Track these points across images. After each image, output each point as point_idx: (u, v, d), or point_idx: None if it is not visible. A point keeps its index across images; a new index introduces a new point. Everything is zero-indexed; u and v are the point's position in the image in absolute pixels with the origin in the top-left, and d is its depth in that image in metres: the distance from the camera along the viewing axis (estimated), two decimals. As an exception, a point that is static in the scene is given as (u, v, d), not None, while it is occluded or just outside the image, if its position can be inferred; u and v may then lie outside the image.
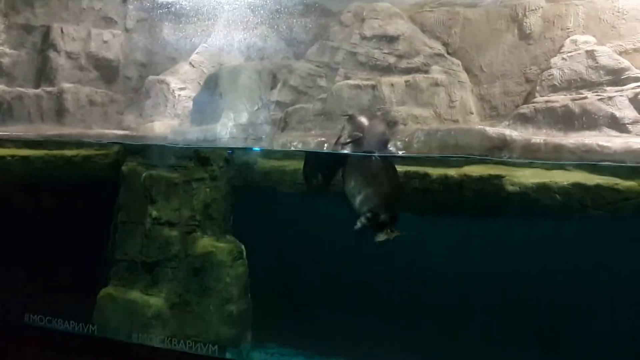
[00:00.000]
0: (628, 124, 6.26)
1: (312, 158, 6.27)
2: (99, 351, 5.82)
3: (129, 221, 6.67)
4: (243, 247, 6.84)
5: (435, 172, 6.04)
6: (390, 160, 5.65)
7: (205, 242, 6.65)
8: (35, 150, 6.99)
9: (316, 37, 8.30)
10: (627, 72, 6.54)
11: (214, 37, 8.70)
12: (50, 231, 6.87)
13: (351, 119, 6.04)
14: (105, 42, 9.31)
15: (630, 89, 6.44)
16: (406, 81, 7.64)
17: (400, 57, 7.90)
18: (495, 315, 6.51)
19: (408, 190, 6.14)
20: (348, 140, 5.79)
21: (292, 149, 7.37)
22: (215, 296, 6.56)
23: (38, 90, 8.90)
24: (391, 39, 7.96)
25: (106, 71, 9.39)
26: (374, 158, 5.43)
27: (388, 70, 7.85)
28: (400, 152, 6.65)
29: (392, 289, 6.78)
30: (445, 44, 7.96)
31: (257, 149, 7.72)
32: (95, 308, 6.46)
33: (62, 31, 9.09)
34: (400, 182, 5.81)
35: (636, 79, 6.47)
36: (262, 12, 8.03)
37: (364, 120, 6.00)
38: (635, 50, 6.75)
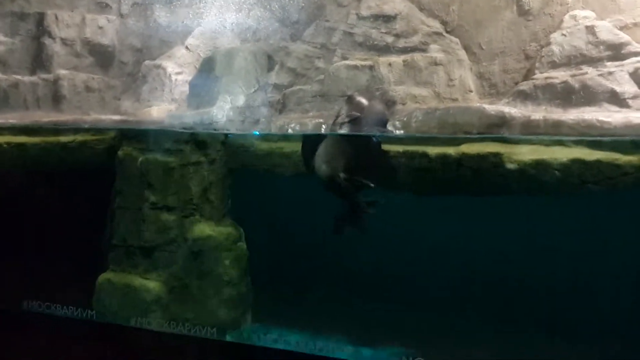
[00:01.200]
0: (628, 98, 6.20)
1: (310, 139, 6.24)
2: (98, 336, 5.83)
3: (127, 206, 6.63)
4: (242, 230, 6.82)
5: (433, 151, 5.96)
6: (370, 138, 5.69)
7: (203, 226, 6.62)
8: (31, 137, 6.95)
9: (312, 18, 8.22)
10: (627, 47, 6.46)
11: (209, 20, 8.62)
12: (48, 218, 6.85)
13: (350, 99, 6.02)
14: (100, 27, 9.25)
15: (630, 63, 6.37)
16: (404, 61, 7.57)
17: (397, 36, 7.81)
18: (497, 292, 6.48)
19: (389, 166, 6.06)
20: (346, 119, 5.76)
21: (290, 131, 7.31)
22: (215, 280, 6.55)
23: (34, 78, 8.86)
24: (388, 18, 7.86)
25: (102, 57, 9.33)
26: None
27: (386, 50, 7.77)
28: (396, 132, 6.60)
29: (391, 269, 6.77)
30: (443, 22, 7.86)
31: (255, 132, 7.66)
32: (94, 294, 6.45)
33: (56, 18, 9.03)
34: (377, 156, 5.77)
35: (636, 54, 6.39)
36: (257, -8, 7.96)
37: (362, 100, 5.98)
38: (635, 24, 6.66)
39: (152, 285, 6.46)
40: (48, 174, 6.94)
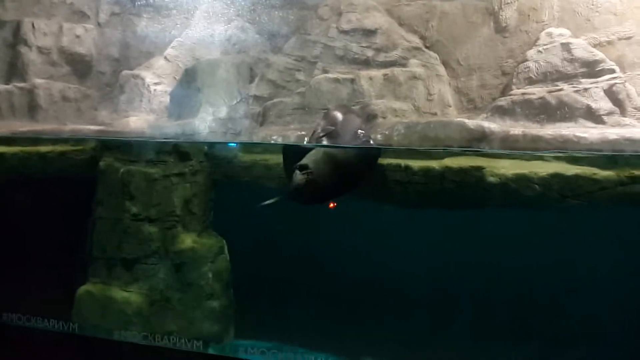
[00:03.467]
0: (603, 115, 6.38)
1: (291, 151, 6.29)
2: (79, 349, 5.74)
3: (107, 217, 6.57)
4: (224, 242, 6.80)
5: (416, 164, 6.06)
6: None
7: (185, 238, 6.59)
8: (9, 147, 6.82)
9: (293, 31, 8.26)
10: (601, 64, 6.65)
11: (189, 31, 8.61)
12: (27, 229, 6.72)
13: (326, 113, 6.14)
14: (77, 36, 9.12)
15: (605, 80, 6.56)
16: (384, 75, 7.65)
17: (378, 50, 7.90)
18: (479, 307, 6.58)
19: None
20: (321, 134, 5.87)
21: (272, 142, 7.34)
22: (197, 292, 6.52)
23: (9, 86, 8.68)
24: (369, 33, 7.96)
25: (79, 66, 9.20)
26: None
27: (366, 63, 7.86)
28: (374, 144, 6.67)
29: (376, 282, 6.81)
30: (422, 38, 7.99)
31: (232, 143, 7.66)
32: (75, 306, 6.35)
33: (33, 26, 8.87)
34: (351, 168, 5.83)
35: (611, 71, 6.59)
36: (238, 5, 7.97)
37: (337, 114, 6.14)
38: (609, 42, 6.88)
39: (133, 297, 6.40)
40: (27, 184, 6.82)
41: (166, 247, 6.53)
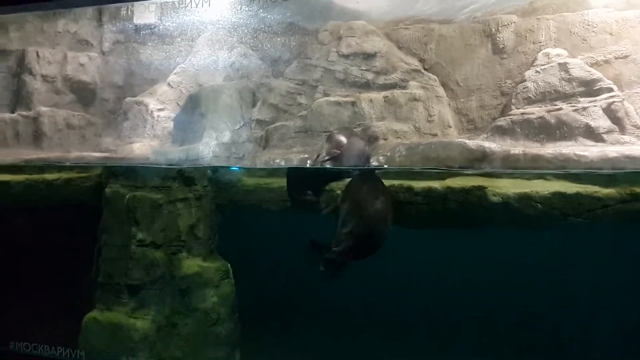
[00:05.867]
0: (603, 133, 6.44)
1: (294, 174, 6.34)
2: (86, 377, 5.74)
3: (113, 244, 6.61)
4: (229, 266, 6.82)
5: (419, 185, 6.11)
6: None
7: (191, 263, 6.62)
8: (15, 175, 6.89)
9: (295, 56, 8.37)
10: (599, 83, 6.73)
11: (192, 58, 8.72)
12: (34, 256, 6.76)
13: (330, 137, 6.18)
14: (81, 65, 9.26)
15: (603, 99, 6.63)
16: (385, 97, 7.74)
17: (378, 73, 8.00)
18: (483, 325, 6.58)
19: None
20: (326, 158, 5.93)
21: (275, 166, 7.39)
22: (203, 317, 6.54)
23: (14, 115, 8.79)
24: (368, 56, 8.07)
25: (83, 94, 9.32)
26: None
27: (366, 86, 7.95)
28: (380, 166, 6.73)
29: (380, 305, 6.82)
30: (421, 60, 8.09)
31: (236, 167, 7.72)
32: (81, 333, 6.36)
33: (37, 55, 9.02)
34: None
35: (608, 90, 6.66)
36: (241, 32, 8.08)
37: (341, 137, 6.19)
38: (605, 61, 6.97)
39: (139, 323, 6.41)
40: (33, 212, 6.88)
41: (172, 272, 6.56)
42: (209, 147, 7.55)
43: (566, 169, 6.08)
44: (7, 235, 6.83)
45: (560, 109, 6.77)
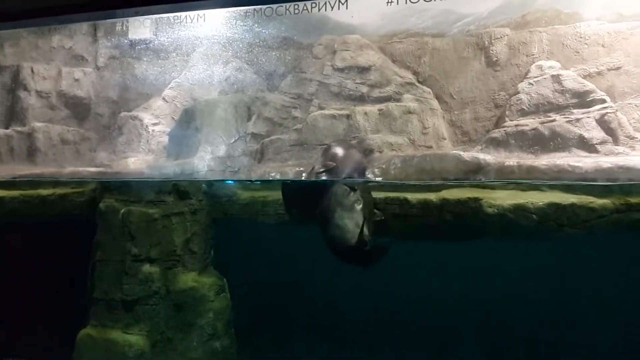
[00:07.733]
0: (596, 144, 6.47)
1: (289, 187, 6.34)
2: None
3: (108, 259, 6.58)
4: (225, 280, 6.79)
5: (414, 197, 6.12)
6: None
7: (186, 277, 6.60)
8: (9, 190, 6.86)
9: (290, 70, 8.40)
10: (592, 95, 6.77)
11: (187, 72, 8.73)
12: (28, 272, 6.72)
13: (326, 150, 6.18)
14: (76, 80, 9.25)
15: (596, 110, 6.66)
16: (379, 110, 7.76)
17: (372, 86, 8.03)
18: (479, 336, 6.56)
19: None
20: (321, 170, 5.94)
21: (270, 179, 7.39)
22: (199, 332, 6.50)
23: (8, 130, 8.78)
24: (363, 70, 8.10)
25: (77, 109, 9.31)
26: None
27: (361, 99, 7.96)
28: (376, 179, 6.74)
29: (377, 317, 6.79)
30: (415, 73, 8.12)
31: (231, 181, 7.71)
32: (75, 350, 6.31)
33: (32, 70, 9.02)
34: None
35: (601, 101, 6.70)
36: (236, 47, 8.11)
37: (338, 150, 6.19)
38: (598, 73, 7.00)
39: (134, 339, 6.36)
40: (27, 228, 6.84)
41: (167, 287, 6.52)
42: (204, 161, 7.54)
43: (560, 180, 6.10)
44: (1, 251, 6.78)
45: (553, 120, 6.80)
